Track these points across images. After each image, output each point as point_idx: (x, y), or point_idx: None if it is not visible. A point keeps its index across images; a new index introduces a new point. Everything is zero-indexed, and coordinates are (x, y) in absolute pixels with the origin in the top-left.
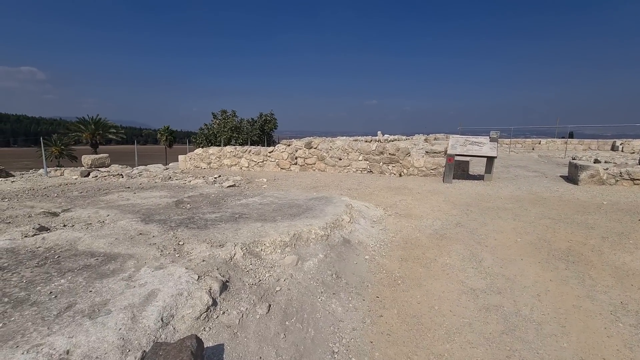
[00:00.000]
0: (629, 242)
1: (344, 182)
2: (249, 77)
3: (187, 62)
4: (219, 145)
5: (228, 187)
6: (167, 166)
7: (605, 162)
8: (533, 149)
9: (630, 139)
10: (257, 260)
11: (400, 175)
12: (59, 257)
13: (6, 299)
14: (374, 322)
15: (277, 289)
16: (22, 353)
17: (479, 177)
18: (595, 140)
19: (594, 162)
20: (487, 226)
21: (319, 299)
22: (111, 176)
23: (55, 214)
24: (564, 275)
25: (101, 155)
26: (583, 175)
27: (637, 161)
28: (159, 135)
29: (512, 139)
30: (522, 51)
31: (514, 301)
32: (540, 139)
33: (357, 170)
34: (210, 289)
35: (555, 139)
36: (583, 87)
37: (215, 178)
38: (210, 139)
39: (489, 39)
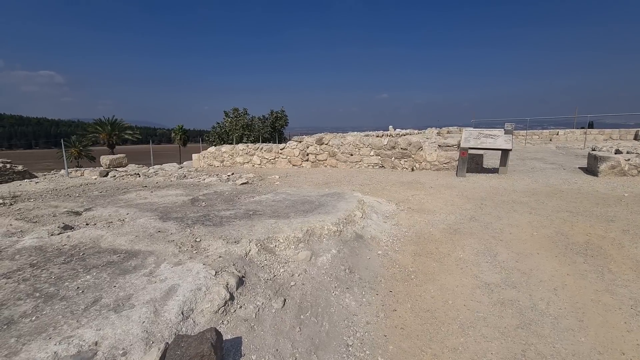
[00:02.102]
0: None
1: (355, 178)
2: (259, 74)
3: (197, 62)
4: (231, 143)
5: (241, 184)
6: (181, 165)
7: (627, 152)
8: (550, 140)
9: None
10: (271, 256)
11: (412, 169)
12: (83, 254)
13: (37, 294)
14: (387, 316)
15: (292, 283)
16: (55, 344)
17: (494, 171)
18: (617, 129)
19: (615, 153)
20: (502, 220)
21: (333, 294)
22: (129, 176)
23: (78, 213)
24: (582, 269)
25: (118, 155)
26: (603, 167)
27: None
28: (173, 134)
29: (527, 131)
30: (538, 39)
31: (530, 295)
32: (558, 130)
33: (368, 165)
34: (227, 284)
35: (574, 130)
36: (603, 74)
37: (228, 176)
38: (222, 137)
39: (503, 28)
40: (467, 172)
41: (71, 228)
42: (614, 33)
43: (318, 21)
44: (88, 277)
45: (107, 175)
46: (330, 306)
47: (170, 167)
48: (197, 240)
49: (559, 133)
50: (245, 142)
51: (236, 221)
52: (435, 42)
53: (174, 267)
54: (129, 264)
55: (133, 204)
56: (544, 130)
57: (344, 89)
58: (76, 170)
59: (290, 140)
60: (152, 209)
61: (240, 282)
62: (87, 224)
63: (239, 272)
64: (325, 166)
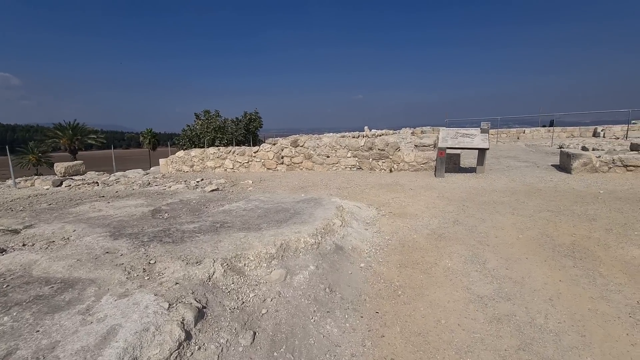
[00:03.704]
0: (635, 234)
1: (333, 181)
2: (234, 77)
3: (169, 64)
4: (203, 147)
5: (211, 191)
6: (147, 171)
7: (594, 149)
8: (518, 139)
9: (610, 125)
10: (239, 277)
11: (390, 171)
12: (7, 286)
13: None
14: (375, 345)
15: (263, 311)
16: None
17: (471, 170)
18: (577, 127)
19: (582, 150)
20: (486, 223)
21: (312, 320)
22: (86, 185)
23: (16, 232)
24: (573, 274)
25: (75, 162)
26: (576, 164)
27: (628, 147)
28: (141, 138)
29: (498, 130)
30: (506, 41)
31: (526, 308)
32: (524, 128)
33: (346, 167)
34: (183, 320)
35: (539, 128)
36: (562, 77)
37: (197, 182)
38: (193, 140)
39: (472, 28)
40: (445, 172)
41: (3, 251)
42: (572, 37)
43: (294, 23)
44: (6, 319)
45: (60, 184)
46: (309, 336)
47: (134, 173)
48: (151, 262)
49: (526, 131)
50: (218, 146)
51: (200, 236)
52: (407, 42)
53: (118, 300)
54: (63, 297)
55: (83, 219)
56: (511, 129)
57: (320, 90)
58: (26, 180)
59: (265, 142)
60: (105, 224)
61: (201, 314)
62: (23, 245)
63: (199, 301)
64: (301, 169)
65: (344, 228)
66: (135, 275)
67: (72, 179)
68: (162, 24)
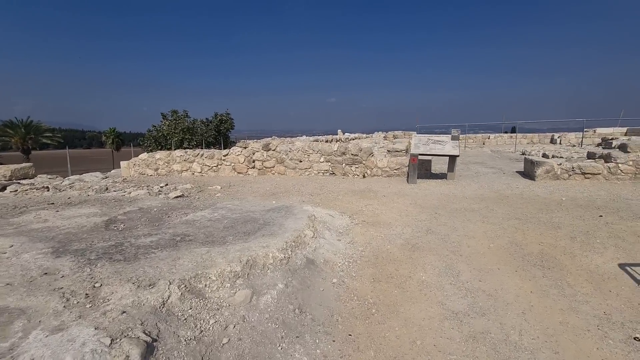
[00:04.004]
0: (596, 242)
1: (305, 187)
2: (206, 78)
3: (137, 64)
4: (170, 148)
5: (175, 197)
6: (106, 174)
7: (554, 156)
8: (484, 144)
9: (565, 132)
10: (199, 301)
11: (364, 176)
12: None
13: None
14: None
15: (224, 341)
16: None
17: (442, 176)
18: (537, 134)
19: (543, 156)
20: (458, 231)
21: (279, 347)
22: (34, 190)
23: None
24: (542, 285)
25: (23, 164)
26: (539, 171)
27: (585, 155)
28: (104, 137)
29: (466, 135)
30: (472, 50)
31: (500, 324)
32: (489, 134)
33: (318, 172)
34: (127, 359)
35: (502, 134)
36: (522, 85)
37: (161, 187)
38: (160, 141)
39: (439, 32)
40: (417, 178)
41: None
42: (527, 55)
43: (268, 25)
44: None
45: (4, 189)
46: None
47: (92, 177)
48: (96, 285)
49: (490, 137)
50: (186, 147)
51: (157, 252)
52: (379, 46)
53: (50, 336)
54: None
55: (25, 230)
56: (477, 135)
57: (295, 92)
58: None
59: (236, 144)
60: (49, 237)
61: (150, 350)
62: None
63: (149, 333)
64: (273, 174)
65: (316, 239)
66: (75, 302)
67: (19, 183)
68: (129, 22)
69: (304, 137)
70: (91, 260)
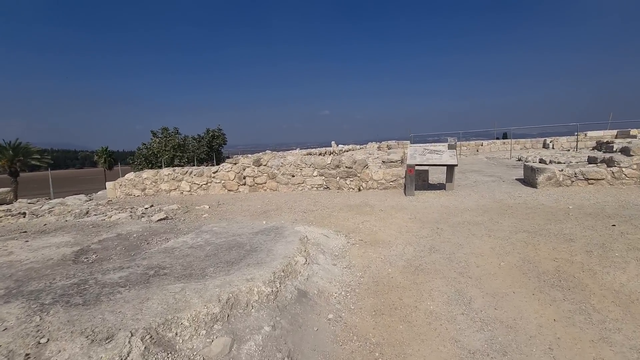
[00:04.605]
0: (615, 256)
1: (298, 203)
2: (197, 94)
3: (128, 81)
4: (160, 167)
5: (158, 221)
6: (91, 196)
7: (551, 161)
8: (477, 151)
9: (557, 137)
10: (167, 355)
11: (359, 189)
12: None
13: None
14: None
15: None
16: None
17: (440, 186)
18: (529, 139)
19: (540, 162)
20: (463, 248)
21: None
22: (9, 216)
23: None
24: (566, 310)
25: (0, 190)
26: (541, 179)
27: (584, 160)
28: (96, 157)
29: (460, 143)
30: (465, 59)
31: None
32: (482, 141)
33: (312, 187)
34: None
35: (495, 141)
36: (505, 95)
37: (145, 209)
38: (150, 159)
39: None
40: (415, 190)
41: None
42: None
43: (257, 39)
44: None
45: None
46: None
47: (74, 200)
48: (42, 341)
49: (484, 144)
50: (177, 165)
51: (123, 292)
52: (368, 57)
53: None
54: None
55: None
56: (470, 142)
57: (287, 105)
58: None
59: (229, 159)
60: (6, 276)
61: None
62: None
63: None
64: (265, 190)
65: (309, 266)
66: None
67: None
68: (119, 38)
69: (298, 150)
70: (44, 306)
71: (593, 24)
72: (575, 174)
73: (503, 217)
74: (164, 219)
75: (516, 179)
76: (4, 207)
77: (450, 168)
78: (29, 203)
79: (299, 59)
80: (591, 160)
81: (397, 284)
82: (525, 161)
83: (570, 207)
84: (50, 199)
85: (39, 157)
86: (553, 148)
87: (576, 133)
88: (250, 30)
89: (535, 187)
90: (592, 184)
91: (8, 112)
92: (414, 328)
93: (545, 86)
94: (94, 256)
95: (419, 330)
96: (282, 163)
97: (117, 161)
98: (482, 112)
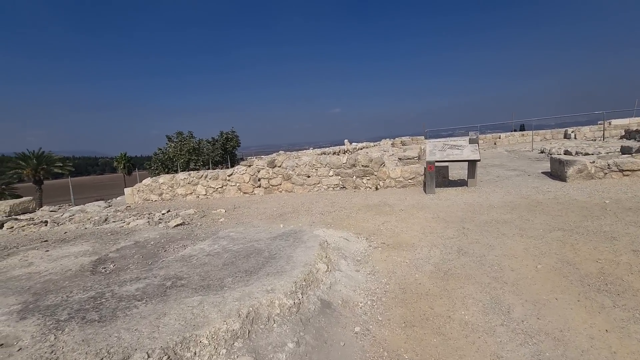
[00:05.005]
0: None
1: (315, 205)
2: (209, 95)
3: (140, 85)
4: (176, 171)
5: (175, 226)
6: (109, 202)
7: (577, 152)
8: (495, 144)
9: (579, 126)
10: None
11: (376, 188)
12: None
13: None
14: None
15: None
16: None
17: (461, 183)
18: (549, 130)
19: (565, 154)
20: (494, 250)
21: None
22: (32, 225)
23: None
24: (617, 319)
25: (23, 199)
26: (571, 171)
27: (617, 150)
28: (115, 163)
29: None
30: (473, 51)
31: None
32: (499, 134)
33: (328, 187)
34: None
35: (513, 133)
36: (527, 81)
37: (162, 214)
38: (166, 164)
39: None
40: (435, 187)
41: None
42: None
43: (265, 39)
44: None
45: (1, 227)
46: None
47: (94, 207)
48: None
49: (501, 136)
50: (193, 168)
51: (140, 306)
52: (378, 54)
53: None
54: None
55: (2, 280)
56: (487, 135)
57: (298, 105)
58: None
59: (244, 161)
60: (24, 288)
61: None
62: None
63: None
64: (280, 192)
65: (331, 273)
66: None
67: (16, 219)
68: (128, 43)
69: (311, 149)
70: (59, 323)
71: (607, 15)
72: (608, 165)
73: (534, 214)
74: (181, 224)
75: (542, 173)
76: (27, 215)
77: (473, 163)
78: (51, 211)
79: (307, 58)
80: (625, 150)
81: (426, 291)
82: (550, 153)
83: (607, 201)
84: (71, 205)
85: (61, 164)
86: (575, 138)
87: (600, 122)
88: (255, 31)
89: (565, 181)
90: (627, 175)
91: (30, 122)
92: (449, 342)
93: (561, 74)
94: (111, 266)
95: (455, 344)
96: (296, 164)
97: (135, 166)
98: (497, 105)
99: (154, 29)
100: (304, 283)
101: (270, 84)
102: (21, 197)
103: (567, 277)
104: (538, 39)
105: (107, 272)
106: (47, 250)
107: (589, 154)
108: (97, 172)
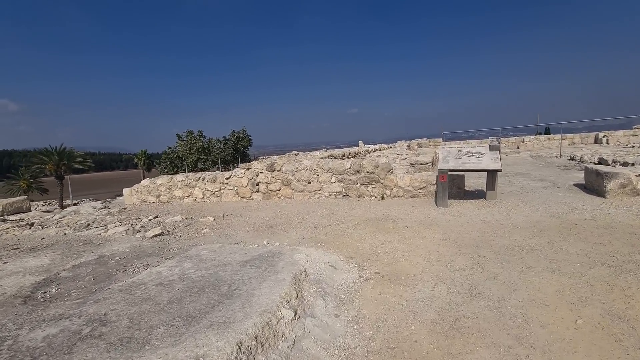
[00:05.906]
0: None
1: (311, 215)
2: (227, 94)
3: (163, 83)
4: (185, 170)
5: (152, 237)
6: (106, 203)
7: (613, 161)
8: (518, 148)
9: (612, 131)
10: None
11: (382, 197)
12: None
13: None
14: None
15: None
16: None
17: (479, 194)
18: (578, 134)
19: (599, 162)
20: (518, 291)
21: None
22: (16, 228)
23: None
24: None
25: (17, 198)
26: (611, 185)
27: None
28: (136, 159)
29: (497, 139)
30: (498, 47)
31: None
32: (523, 137)
33: (330, 194)
34: None
35: (538, 136)
36: (552, 83)
37: (148, 220)
38: (175, 162)
39: (462, 39)
40: (448, 199)
41: None
42: (563, 41)
43: (285, 38)
44: None
45: None
46: None
47: (88, 208)
48: None
49: (525, 140)
50: (201, 167)
51: None
52: (399, 54)
53: None
54: None
55: None
56: (510, 138)
57: (314, 105)
58: None
59: (255, 161)
60: None
61: None
62: None
63: None
64: (279, 197)
65: (299, 322)
66: None
67: (5, 220)
68: (157, 39)
69: (325, 149)
70: None
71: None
72: None
73: (567, 240)
74: (159, 234)
75: (574, 185)
76: (18, 216)
77: (493, 174)
78: (45, 211)
79: (325, 58)
80: None
81: (422, 354)
82: (581, 160)
83: None
84: (83, 201)
85: (82, 160)
86: (608, 143)
87: (636, 126)
88: (276, 31)
89: (604, 197)
90: None
91: (60, 119)
92: None
93: (588, 77)
94: (53, 290)
95: None
96: (297, 168)
97: (153, 163)
98: (520, 106)
99: (176, 29)
100: (253, 343)
101: (289, 83)
102: (47, 190)
103: (619, 342)
104: (563, 38)
105: (41, 301)
106: (6, 263)
107: (629, 164)
108: (121, 168)
